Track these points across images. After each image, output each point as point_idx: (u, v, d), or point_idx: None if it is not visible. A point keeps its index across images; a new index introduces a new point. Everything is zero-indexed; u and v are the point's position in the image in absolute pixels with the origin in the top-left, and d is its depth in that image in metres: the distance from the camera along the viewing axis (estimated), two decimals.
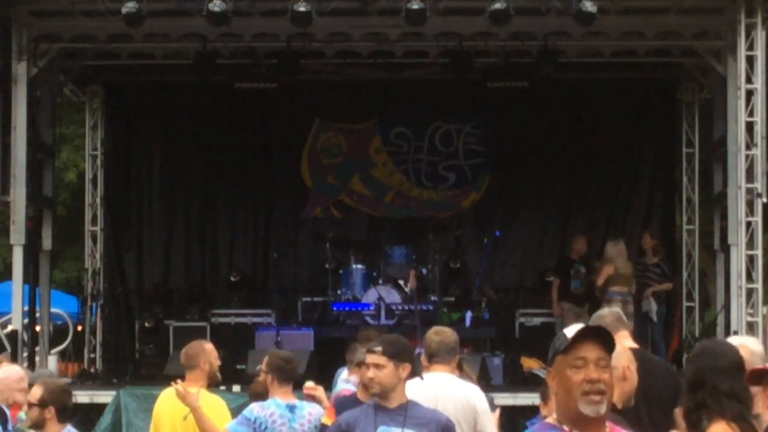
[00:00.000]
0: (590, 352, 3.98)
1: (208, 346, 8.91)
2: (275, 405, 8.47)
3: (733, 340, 5.89)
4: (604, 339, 4.02)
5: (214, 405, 8.72)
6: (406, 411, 6.48)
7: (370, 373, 6.65)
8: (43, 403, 7.41)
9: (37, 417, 7.41)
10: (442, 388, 7.41)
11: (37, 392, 7.46)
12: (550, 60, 17.21)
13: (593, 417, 3.95)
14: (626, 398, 6.08)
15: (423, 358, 7.76)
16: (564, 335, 4.05)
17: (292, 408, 8.47)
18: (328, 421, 7.96)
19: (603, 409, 3.96)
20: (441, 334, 7.83)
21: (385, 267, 18.52)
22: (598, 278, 17.24)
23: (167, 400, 8.85)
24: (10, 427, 7.73)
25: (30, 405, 7.51)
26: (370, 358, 6.74)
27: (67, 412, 7.58)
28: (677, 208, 20.00)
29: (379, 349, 6.79)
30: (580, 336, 4.00)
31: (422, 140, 20.24)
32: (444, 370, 7.62)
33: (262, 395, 9.08)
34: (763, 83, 15.42)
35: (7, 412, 7.89)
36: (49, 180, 17.59)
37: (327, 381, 10.72)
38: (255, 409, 8.46)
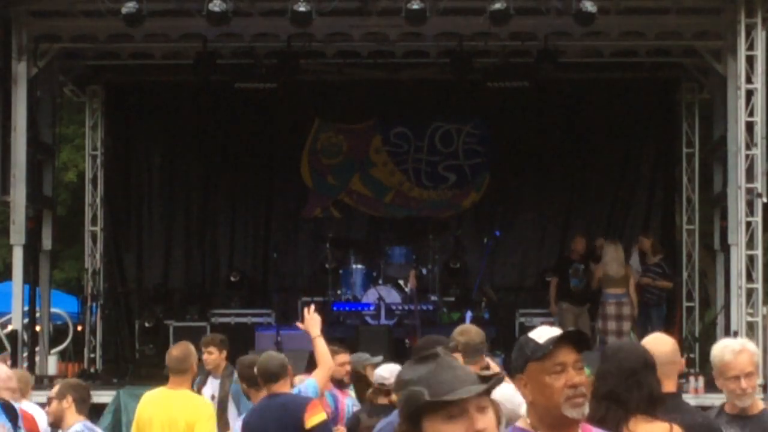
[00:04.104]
0: (567, 356, 3.89)
1: (193, 348, 8.91)
2: None
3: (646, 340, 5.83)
4: (576, 341, 3.94)
5: (200, 407, 8.72)
6: None
7: None
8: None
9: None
10: None
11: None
12: (550, 60, 17.21)
13: (578, 419, 3.92)
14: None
15: None
16: (533, 340, 3.93)
17: None
18: (324, 416, 7.87)
19: (586, 410, 3.94)
20: (466, 333, 7.55)
21: (385, 267, 18.52)
22: (592, 282, 17.40)
23: (153, 404, 8.78)
24: (20, 423, 7.75)
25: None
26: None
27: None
28: (677, 208, 19.99)
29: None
30: (557, 342, 3.89)
31: (422, 140, 20.25)
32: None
33: None
34: (763, 83, 15.42)
35: (17, 408, 7.92)
36: (49, 180, 17.58)
37: None
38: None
